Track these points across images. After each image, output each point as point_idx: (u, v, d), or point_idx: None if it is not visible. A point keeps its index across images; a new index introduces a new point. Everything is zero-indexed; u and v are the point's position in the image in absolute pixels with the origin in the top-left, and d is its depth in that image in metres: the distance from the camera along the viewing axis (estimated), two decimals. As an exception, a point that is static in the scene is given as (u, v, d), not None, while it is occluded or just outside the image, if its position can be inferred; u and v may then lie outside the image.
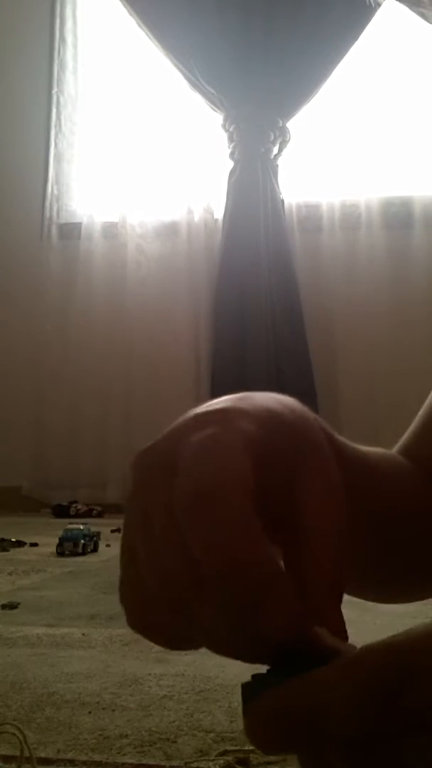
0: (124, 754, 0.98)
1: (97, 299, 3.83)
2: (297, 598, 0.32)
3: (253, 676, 0.33)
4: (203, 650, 0.35)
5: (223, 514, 0.32)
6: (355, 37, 3.69)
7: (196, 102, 3.82)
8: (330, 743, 0.30)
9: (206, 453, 0.34)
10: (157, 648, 1.47)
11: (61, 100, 4.02)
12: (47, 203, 3.96)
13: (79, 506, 3.52)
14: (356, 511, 0.41)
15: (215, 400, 0.38)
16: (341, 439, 0.45)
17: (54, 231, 3.94)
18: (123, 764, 0.95)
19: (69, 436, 3.76)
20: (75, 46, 4.03)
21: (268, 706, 0.31)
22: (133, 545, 0.36)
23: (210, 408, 0.37)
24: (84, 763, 0.96)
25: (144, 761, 0.96)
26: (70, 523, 2.71)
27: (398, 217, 3.69)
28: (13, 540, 2.67)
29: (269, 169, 3.74)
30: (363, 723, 0.29)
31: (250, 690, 0.33)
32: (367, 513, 0.48)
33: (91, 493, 3.66)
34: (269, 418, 0.37)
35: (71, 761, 0.96)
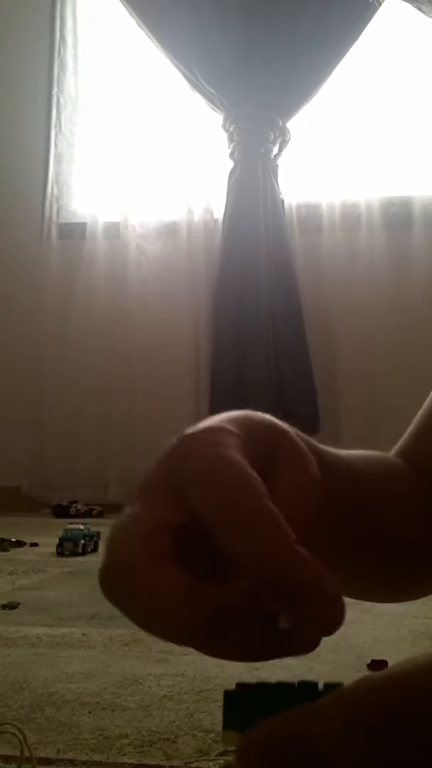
0: (124, 754, 0.98)
1: (97, 299, 3.83)
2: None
3: (238, 685, 0.32)
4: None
5: (263, 525, 0.32)
6: (356, 37, 3.69)
7: (196, 102, 3.82)
8: None
9: (219, 468, 0.34)
10: (157, 648, 1.47)
11: (61, 100, 4.02)
12: (47, 203, 3.96)
13: (79, 506, 3.51)
14: (333, 514, 0.41)
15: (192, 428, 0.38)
16: (317, 444, 0.46)
17: (54, 231, 3.94)
18: (123, 764, 0.95)
19: (69, 436, 3.76)
20: (75, 46, 4.03)
21: (265, 735, 0.30)
22: (135, 563, 0.36)
23: (197, 429, 0.37)
24: (84, 763, 0.96)
25: (144, 761, 0.96)
26: (70, 523, 2.71)
27: (398, 217, 3.69)
28: (13, 540, 2.67)
29: (269, 169, 3.74)
30: (365, 754, 0.28)
31: (235, 701, 0.32)
32: (344, 516, 0.48)
33: (91, 493, 3.66)
34: (246, 427, 0.38)
35: (71, 761, 0.96)
